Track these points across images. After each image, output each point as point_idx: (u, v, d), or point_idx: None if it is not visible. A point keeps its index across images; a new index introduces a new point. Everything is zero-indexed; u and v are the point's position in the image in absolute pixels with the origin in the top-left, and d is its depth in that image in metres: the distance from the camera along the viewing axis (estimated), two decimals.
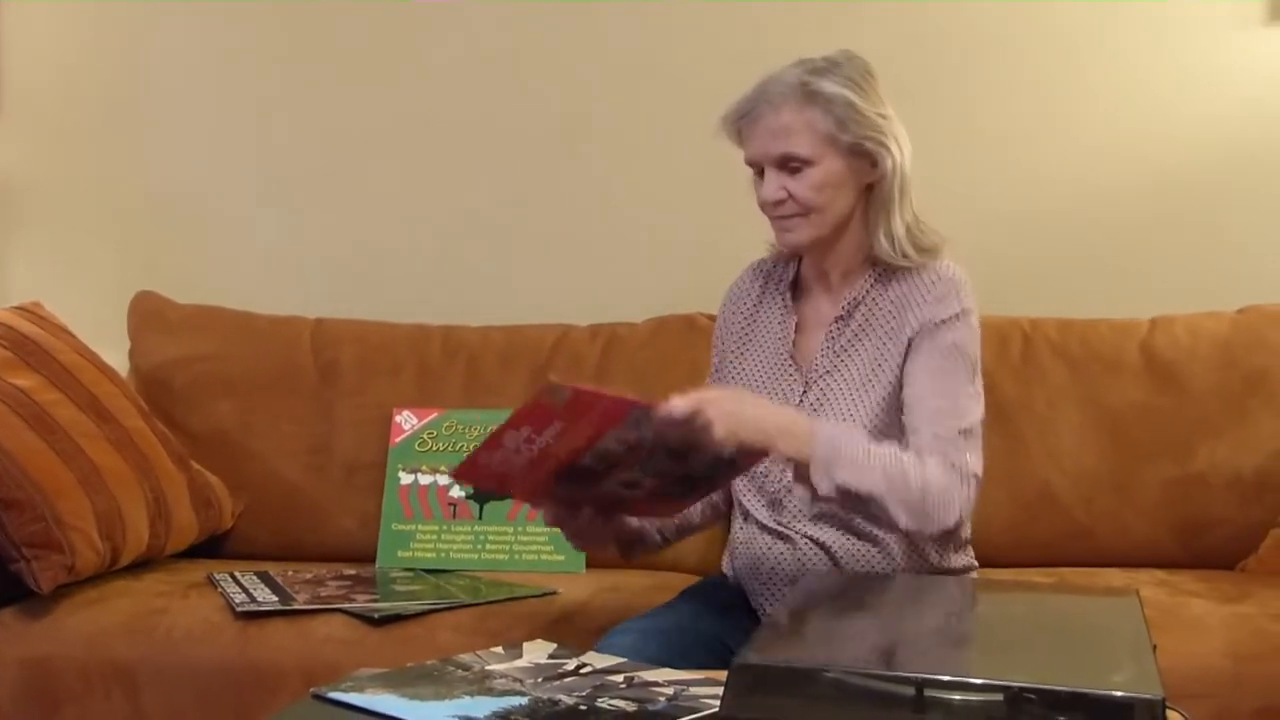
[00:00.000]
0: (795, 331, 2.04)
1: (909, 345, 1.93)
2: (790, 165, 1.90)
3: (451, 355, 2.81)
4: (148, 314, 2.89)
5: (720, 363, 2.15)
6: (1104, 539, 2.61)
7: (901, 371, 1.93)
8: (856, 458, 1.77)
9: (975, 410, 1.92)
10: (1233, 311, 2.72)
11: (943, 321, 1.92)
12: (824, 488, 1.77)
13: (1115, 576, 2.47)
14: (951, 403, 1.90)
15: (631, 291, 2.97)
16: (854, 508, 1.84)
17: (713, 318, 2.71)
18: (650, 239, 3.03)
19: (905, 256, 1.95)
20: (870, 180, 1.94)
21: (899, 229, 1.94)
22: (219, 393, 2.79)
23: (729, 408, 1.68)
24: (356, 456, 2.73)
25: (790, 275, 2.08)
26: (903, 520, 1.80)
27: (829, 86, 1.88)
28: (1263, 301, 2.73)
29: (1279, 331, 2.66)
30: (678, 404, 1.63)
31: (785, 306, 2.06)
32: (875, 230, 1.95)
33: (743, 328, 2.11)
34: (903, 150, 1.93)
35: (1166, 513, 2.60)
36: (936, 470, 1.83)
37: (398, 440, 2.69)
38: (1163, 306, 2.76)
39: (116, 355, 2.79)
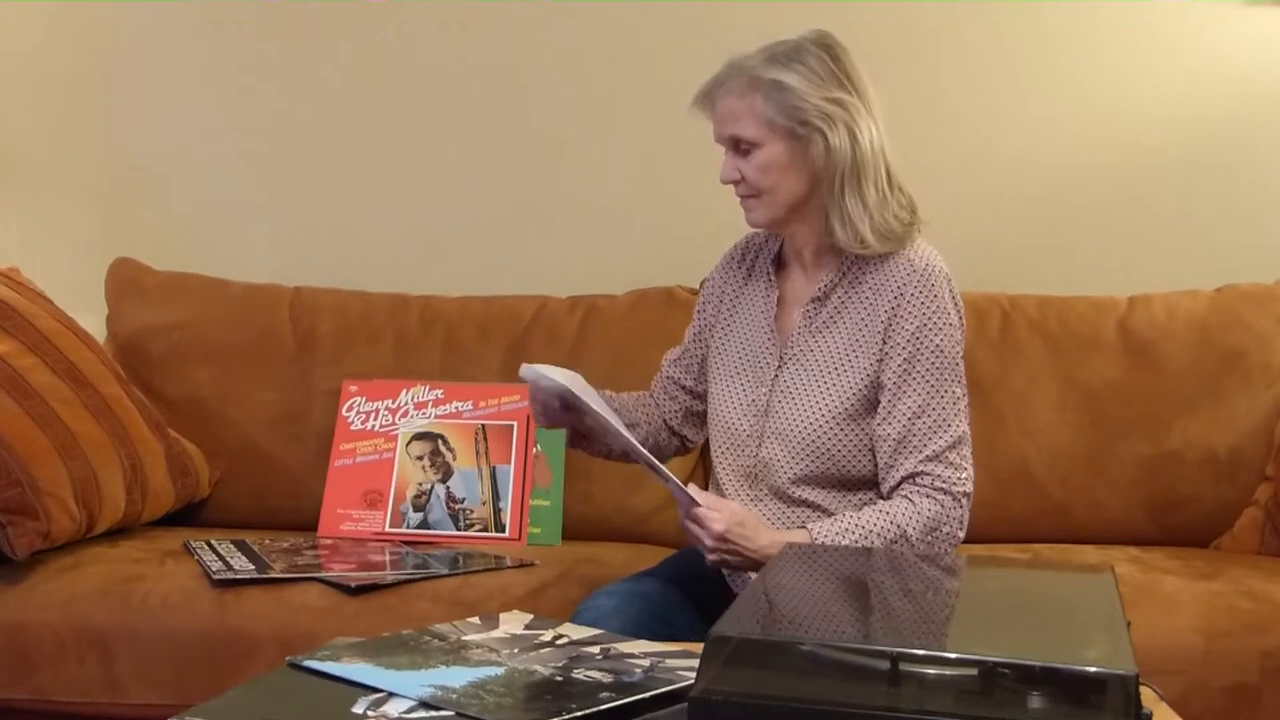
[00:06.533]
0: (777, 305, 2.05)
1: (885, 340, 1.92)
2: (741, 147, 1.94)
3: (429, 325, 2.80)
4: (126, 281, 2.87)
5: (701, 327, 2.17)
6: (1079, 516, 2.62)
7: (879, 367, 1.93)
8: (857, 545, 1.85)
9: (961, 420, 1.93)
10: (1210, 290, 2.73)
11: (924, 325, 1.90)
12: None
13: (1090, 553, 2.49)
14: (938, 417, 1.90)
15: (612, 264, 2.97)
16: None
17: (693, 291, 2.74)
18: (631, 212, 3.02)
19: (863, 243, 1.92)
20: (824, 164, 1.92)
21: (856, 213, 1.91)
22: (197, 360, 2.78)
23: (734, 541, 1.84)
24: (334, 426, 2.72)
25: (775, 249, 2.10)
26: None
27: (771, 72, 1.90)
28: (1241, 281, 2.74)
29: (1256, 311, 2.67)
30: (706, 522, 1.84)
31: (769, 280, 2.07)
32: (830, 214, 1.94)
33: (733, 296, 2.13)
34: (858, 135, 1.90)
35: (1141, 490, 2.61)
36: (928, 509, 1.88)
37: None
38: (1141, 285, 2.77)
39: (94, 321, 2.77)
